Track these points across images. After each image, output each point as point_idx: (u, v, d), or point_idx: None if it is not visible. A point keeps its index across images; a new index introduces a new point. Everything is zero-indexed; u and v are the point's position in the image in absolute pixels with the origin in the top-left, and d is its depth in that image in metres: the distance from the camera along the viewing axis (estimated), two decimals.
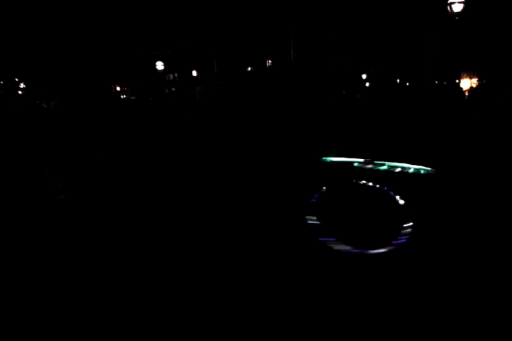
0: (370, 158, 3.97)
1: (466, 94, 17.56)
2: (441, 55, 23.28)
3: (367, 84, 27.02)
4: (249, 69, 27.62)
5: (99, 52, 24.74)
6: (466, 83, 21.11)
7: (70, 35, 24.05)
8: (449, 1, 14.59)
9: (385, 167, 3.79)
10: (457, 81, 20.80)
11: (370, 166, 3.82)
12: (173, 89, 24.68)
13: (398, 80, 26.76)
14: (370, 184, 3.78)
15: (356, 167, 3.91)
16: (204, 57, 27.98)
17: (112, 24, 26.17)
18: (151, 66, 26.69)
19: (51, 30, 24.40)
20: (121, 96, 23.72)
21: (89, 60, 23.48)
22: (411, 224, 3.50)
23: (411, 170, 3.80)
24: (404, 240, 3.40)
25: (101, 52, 24.95)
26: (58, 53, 24.16)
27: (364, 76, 27.92)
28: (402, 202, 3.77)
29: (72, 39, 24.00)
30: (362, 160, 3.90)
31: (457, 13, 14.99)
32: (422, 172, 3.80)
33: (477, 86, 19.77)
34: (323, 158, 4.08)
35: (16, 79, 31.07)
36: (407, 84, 24.75)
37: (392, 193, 3.79)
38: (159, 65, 25.74)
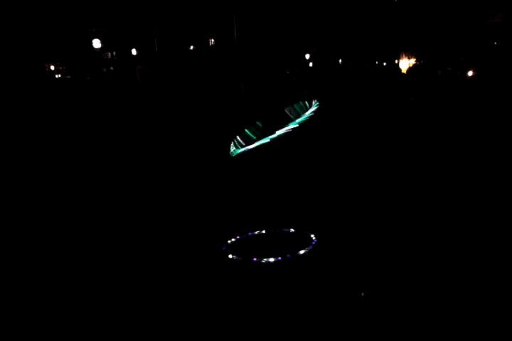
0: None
1: (405, 73, 18.10)
2: (380, 36, 23.78)
3: (310, 64, 27.19)
4: (191, 48, 26.96)
5: (31, 27, 23.16)
6: (405, 63, 21.73)
7: None
8: None
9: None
10: (396, 61, 21.38)
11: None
12: (112, 68, 23.66)
13: (340, 60, 27.12)
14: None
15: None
16: (144, 35, 26.94)
17: None
18: (87, 44, 25.35)
19: None
20: (56, 76, 22.48)
21: (19, 36, 21.94)
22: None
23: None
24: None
25: (33, 28, 23.37)
26: None
27: (307, 56, 28.07)
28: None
29: None
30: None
31: None
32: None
33: (414, 66, 20.45)
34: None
35: None
36: (350, 64, 25.14)
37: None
38: (96, 43, 24.55)
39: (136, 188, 5.39)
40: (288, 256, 3.52)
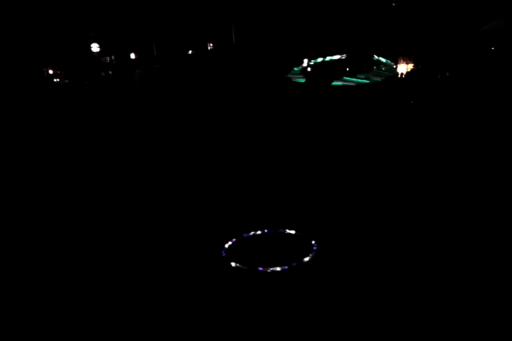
0: None
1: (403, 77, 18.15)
2: (378, 41, 23.85)
3: (308, 69, 27.23)
4: (190, 52, 26.99)
5: (29, 31, 23.17)
6: (403, 68, 21.77)
7: None
8: None
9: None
10: (394, 66, 21.42)
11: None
12: (110, 72, 23.66)
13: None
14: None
15: None
16: (142, 40, 26.97)
17: (44, 2, 24.55)
18: (86, 48, 25.36)
19: None
20: (54, 80, 22.47)
21: (18, 40, 21.95)
22: None
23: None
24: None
25: (32, 32, 23.38)
26: None
27: (306, 61, 28.12)
28: None
29: None
30: None
31: None
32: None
33: (412, 71, 20.51)
34: None
35: None
36: (347, 69, 25.16)
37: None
38: (95, 47, 24.57)
39: (135, 187, 5.37)
40: (294, 264, 3.48)
